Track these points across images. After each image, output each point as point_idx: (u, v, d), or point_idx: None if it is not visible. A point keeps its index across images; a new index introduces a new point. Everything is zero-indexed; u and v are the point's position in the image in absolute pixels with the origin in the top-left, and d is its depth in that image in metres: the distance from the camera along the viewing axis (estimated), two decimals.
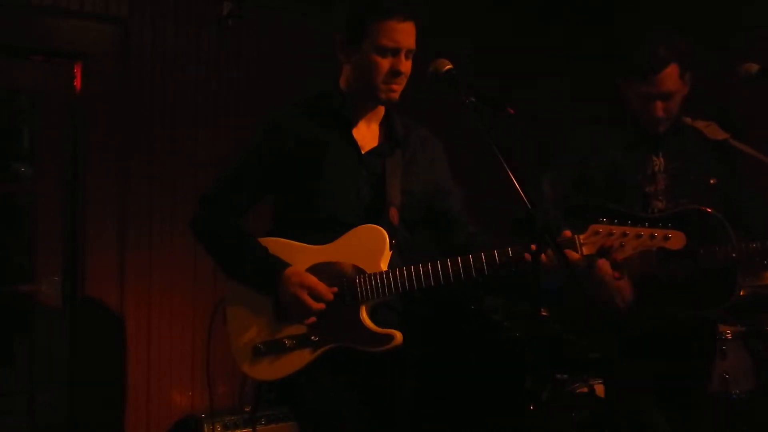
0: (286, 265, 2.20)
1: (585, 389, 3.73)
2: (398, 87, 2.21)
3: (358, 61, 2.21)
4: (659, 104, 2.68)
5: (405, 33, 2.14)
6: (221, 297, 2.36)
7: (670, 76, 2.65)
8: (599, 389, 3.65)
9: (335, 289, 2.18)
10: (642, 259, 2.58)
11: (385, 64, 2.16)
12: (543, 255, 2.04)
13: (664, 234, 2.07)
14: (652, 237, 2.07)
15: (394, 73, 2.17)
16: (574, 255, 2.08)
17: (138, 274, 3.69)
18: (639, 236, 2.07)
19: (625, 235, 2.07)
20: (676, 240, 2.09)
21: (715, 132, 2.81)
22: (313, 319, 2.18)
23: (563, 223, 2.64)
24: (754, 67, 2.65)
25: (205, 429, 3.56)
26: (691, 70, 2.69)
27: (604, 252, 2.10)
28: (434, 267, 2.14)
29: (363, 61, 2.19)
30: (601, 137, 2.88)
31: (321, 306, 2.17)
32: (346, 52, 2.23)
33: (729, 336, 3.52)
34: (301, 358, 2.20)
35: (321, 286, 2.17)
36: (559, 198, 2.81)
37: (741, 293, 3.53)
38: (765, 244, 2.64)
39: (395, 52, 2.16)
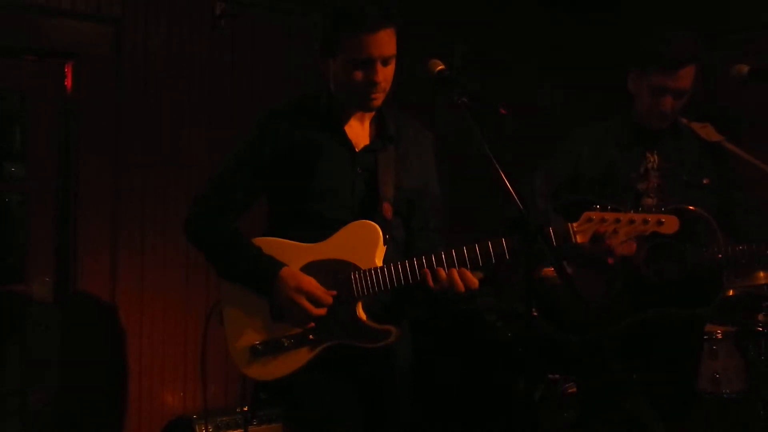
0: (281, 265, 2.19)
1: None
2: (377, 95, 2.19)
3: (334, 72, 2.21)
4: (669, 99, 2.72)
5: (376, 43, 2.10)
6: (217, 299, 2.35)
7: (689, 74, 2.70)
8: None
9: (334, 292, 2.18)
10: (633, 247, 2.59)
11: (358, 75, 2.14)
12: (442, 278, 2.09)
13: (657, 218, 2.08)
14: (645, 222, 2.08)
15: (370, 83, 2.15)
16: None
17: (130, 274, 3.68)
18: (632, 221, 2.08)
19: (618, 221, 2.07)
20: (669, 224, 2.09)
21: (710, 133, 2.84)
22: (312, 324, 2.18)
23: (553, 216, 2.67)
24: (745, 68, 2.67)
25: (197, 429, 3.55)
26: (700, 73, 2.73)
27: (597, 238, 2.11)
28: (428, 260, 2.15)
29: (338, 72, 2.18)
30: (597, 135, 2.90)
31: (321, 311, 2.16)
32: (324, 62, 2.23)
33: (720, 336, 3.53)
34: (300, 357, 2.19)
35: (319, 291, 2.16)
36: (551, 193, 2.83)
37: (731, 293, 3.57)
38: (752, 247, 2.67)
39: (368, 63, 2.13)
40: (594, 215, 2.08)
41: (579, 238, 2.10)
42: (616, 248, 2.50)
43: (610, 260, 2.56)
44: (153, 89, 3.75)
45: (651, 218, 2.07)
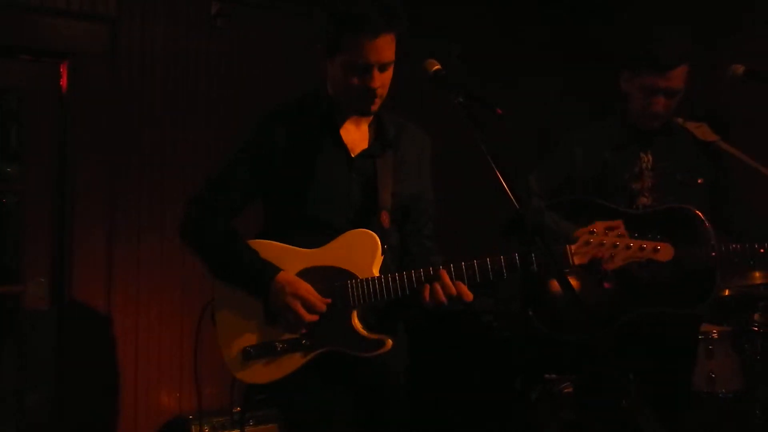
0: (278, 270, 2.19)
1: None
2: (374, 101, 2.18)
3: (333, 75, 2.20)
4: (662, 100, 2.72)
5: (376, 49, 2.08)
6: (210, 299, 2.34)
7: (681, 74, 2.71)
8: None
9: (329, 300, 2.17)
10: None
11: (355, 80, 2.13)
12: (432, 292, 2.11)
13: (654, 246, 2.10)
14: (642, 249, 2.10)
15: (366, 89, 2.14)
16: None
17: (126, 275, 3.68)
18: (629, 247, 2.09)
19: (615, 246, 2.09)
20: (665, 252, 2.12)
21: (705, 133, 2.85)
22: (305, 330, 2.18)
23: (551, 214, 2.68)
24: (740, 69, 2.67)
25: (193, 430, 3.55)
26: (692, 73, 2.74)
27: (595, 262, 2.12)
28: (426, 273, 2.14)
29: (337, 75, 2.17)
30: (591, 136, 2.90)
31: (314, 318, 2.16)
32: (323, 63, 2.22)
33: (716, 336, 3.54)
34: (293, 362, 2.19)
35: (314, 297, 2.16)
36: (545, 193, 2.84)
37: (727, 293, 3.58)
38: (745, 247, 2.68)
39: (366, 69, 2.11)
40: (592, 239, 2.10)
41: (576, 260, 2.11)
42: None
43: (607, 285, 2.59)
44: (149, 89, 3.74)
45: (648, 245, 2.10)
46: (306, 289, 2.16)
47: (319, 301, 2.16)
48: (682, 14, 4.24)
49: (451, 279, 2.12)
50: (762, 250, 2.68)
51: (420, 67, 2.14)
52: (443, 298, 2.11)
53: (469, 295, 2.13)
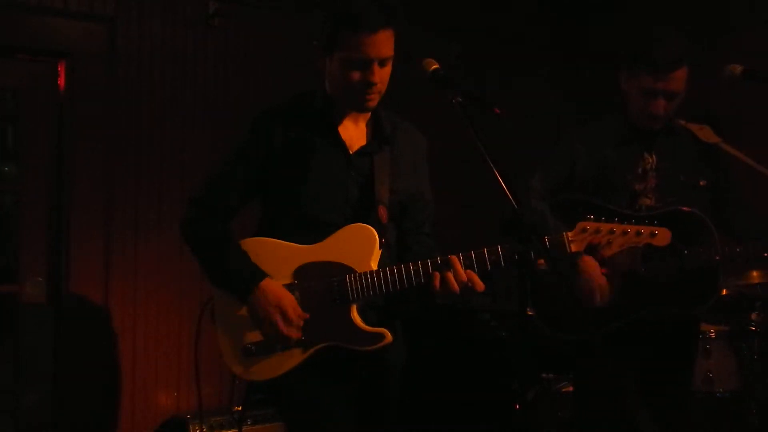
0: (263, 276, 2.18)
1: (571, 388, 3.74)
2: (373, 96, 2.18)
3: (331, 71, 2.19)
4: (662, 102, 2.71)
5: (375, 44, 2.09)
6: (209, 297, 2.34)
7: (681, 76, 2.70)
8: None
9: (307, 315, 2.16)
10: (627, 257, 2.62)
11: (355, 76, 2.13)
12: (442, 281, 2.08)
13: (650, 231, 2.10)
14: (639, 234, 2.10)
15: (366, 84, 2.14)
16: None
17: (123, 273, 3.68)
18: (625, 233, 2.10)
19: (612, 232, 2.09)
20: (661, 237, 2.12)
21: (707, 135, 2.85)
22: (287, 341, 2.16)
23: (550, 216, 2.68)
24: (738, 69, 2.67)
25: (191, 429, 3.54)
26: (692, 75, 2.73)
27: (591, 249, 2.12)
28: (424, 265, 2.14)
29: (335, 71, 2.17)
30: (593, 134, 2.89)
31: (292, 333, 2.15)
32: (321, 61, 2.22)
33: (713, 335, 3.54)
34: (292, 358, 2.19)
35: (292, 311, 2.15)
36: (547, 193, 2.83)
37: (725, 292, 3.58)
38: (748, 248, 2.68)
39: (365, 64, 2.12)
40: (589, 225, 2.10)
41: (573, 248, 2.11)
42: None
43: (604, 270, 2.59)
44: (146, 88, 3.74)
45: (644, 230, 2.10)
46: (288, 301, 2.15)
47: (297, 317, 2.15)
48: (682, 14, 4.24)
49: (462, 267, 2.11)
50: (766, 254, 2.68)
51: (419, 67, 2.14)
52: (456, 287, 2.09)
53: (480, 285, 2.10)
